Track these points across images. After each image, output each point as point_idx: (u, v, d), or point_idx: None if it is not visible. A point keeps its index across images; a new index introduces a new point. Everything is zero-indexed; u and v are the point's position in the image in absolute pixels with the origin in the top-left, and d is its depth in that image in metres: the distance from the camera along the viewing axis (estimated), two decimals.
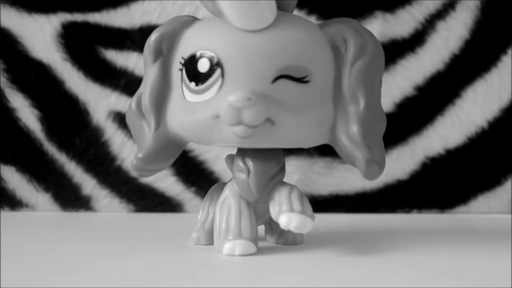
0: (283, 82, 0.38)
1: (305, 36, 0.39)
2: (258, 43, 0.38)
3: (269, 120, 0.38)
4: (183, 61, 0.40)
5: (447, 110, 0.59)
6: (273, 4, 0.38)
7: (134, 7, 0.60)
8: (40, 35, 0.60)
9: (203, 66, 0.39)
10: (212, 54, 0.39)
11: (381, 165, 0.40)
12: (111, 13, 0.60)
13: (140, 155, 0.41)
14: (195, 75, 0.39)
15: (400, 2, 0.59)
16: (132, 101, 0.42)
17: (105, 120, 0.60)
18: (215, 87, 0.39)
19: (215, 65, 0.39)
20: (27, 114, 0.60)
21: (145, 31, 0.59)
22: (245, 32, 0.38)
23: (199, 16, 0.43)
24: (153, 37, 0.41)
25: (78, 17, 0.60)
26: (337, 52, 0.40)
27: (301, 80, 0.38)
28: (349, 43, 0.40)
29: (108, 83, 0.60)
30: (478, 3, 0.59)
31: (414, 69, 0.59)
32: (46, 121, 0.60)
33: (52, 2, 0.60)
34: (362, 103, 0.39)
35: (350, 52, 0.40)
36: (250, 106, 0.37)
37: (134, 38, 0.59)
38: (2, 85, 0.60)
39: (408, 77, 0.59)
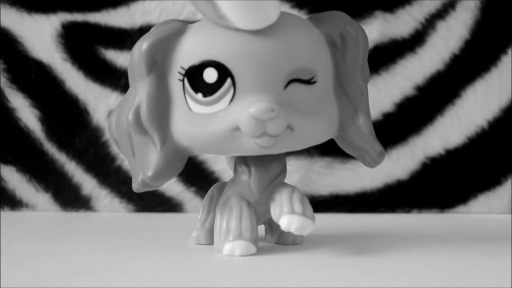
0: (294, 86, 0.38)
1: (307, 36, 0.39)
2: (265, 47, 0.37)
3: (289, 127, 0.38)
4: (183, 71, 0.38)
5: (447, 110, 0.59)
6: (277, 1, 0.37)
7: (134, 7, 0.60)
8: (40, 35, 0.60)
9: (210, 76, 0.37)
10: (220, 63, 0.37)
11: (384, 154, 0.41)
12: (111, 13, 0.60)
13: (149, 173, 0.39)
14: (202, 86, 0.38)
15: (400, 2, 0.59)
16: (129, 114, 0.39)
17: (105, 120, 0.60)
18: (227, 98, 0.37)
19: (224, 75, 0.37)
20: (27, 114, 0.60)
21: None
22: (249, 36, 0.37)
23: (198, 17, 0.42)
24: (144, 46, 0.38)
25: (78, 17, 0.60)
26: (332, 48, 0.40)
27: (309, 82, 0.38)
28: (346, 39, 0.39)
29: (108, 83, 0.60)
30: (478, 3, 0.59)
31: (414, 69, 0.59)
32: (46, 121, 0.60)
33: (52, 2, 0.60)
34: (364, 96, 0.40)
35: (348, 47, 0.40)
36: (274, 117, 0.37)
37: (134, 38, 0.59)
38: (2, 85, 0.60)
39: (408, 77, 0.59)
